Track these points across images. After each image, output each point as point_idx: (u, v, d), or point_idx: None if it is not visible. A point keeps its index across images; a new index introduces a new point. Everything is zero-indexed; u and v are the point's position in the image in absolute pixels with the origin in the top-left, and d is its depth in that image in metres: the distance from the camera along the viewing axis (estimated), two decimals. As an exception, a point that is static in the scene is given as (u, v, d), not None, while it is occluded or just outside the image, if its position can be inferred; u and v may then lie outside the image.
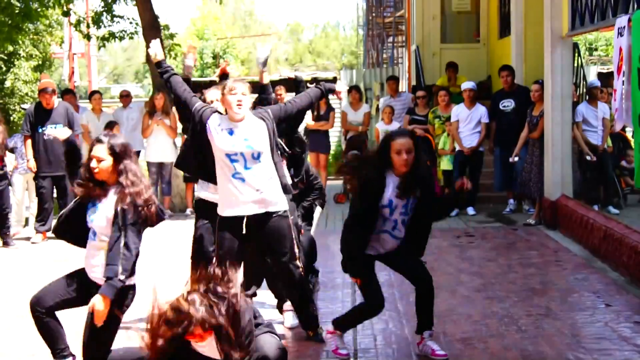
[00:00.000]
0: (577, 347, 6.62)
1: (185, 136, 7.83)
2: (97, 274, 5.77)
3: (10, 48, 26.87)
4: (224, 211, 6.58)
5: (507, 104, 13.34)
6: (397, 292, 8.55)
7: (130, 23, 20.68)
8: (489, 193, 14.49)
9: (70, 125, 12.51)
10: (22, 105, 20.05)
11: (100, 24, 19.97)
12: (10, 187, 12.62)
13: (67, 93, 15.73)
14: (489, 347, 6.66)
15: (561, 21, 11.41)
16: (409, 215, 6.36)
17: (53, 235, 6.72)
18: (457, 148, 13.78)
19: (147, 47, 17.63)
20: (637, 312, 7.54)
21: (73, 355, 6.05)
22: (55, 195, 12.87)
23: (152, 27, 17.56)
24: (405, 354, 6.57)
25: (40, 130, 12.36)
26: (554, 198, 11.80)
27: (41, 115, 12.47)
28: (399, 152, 6.18)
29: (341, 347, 6.47)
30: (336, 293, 8.44)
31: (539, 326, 7.16)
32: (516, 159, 12.70)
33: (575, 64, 13.82)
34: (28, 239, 12.53)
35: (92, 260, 5.84)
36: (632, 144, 11.28)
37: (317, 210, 7.96)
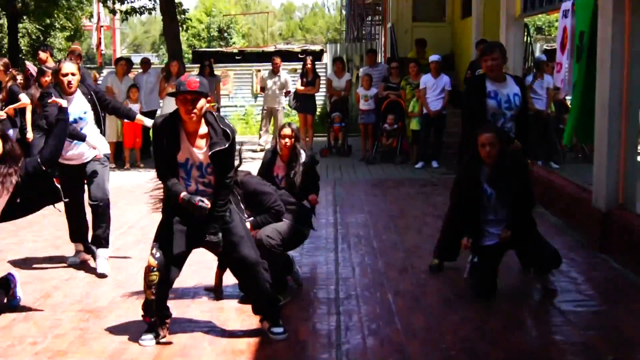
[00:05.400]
0: (520, 279, 6.71)
1: None
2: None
3: (47, 21, 26.69)
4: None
5: None
6: (372, 231, 8.58)
7: (149, 0, 20.56)
8: (451, 150, 14.50)
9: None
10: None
11: (124, 0, 19.82)
12: None
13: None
14: (449, 278, 6.71)
15: (515, 4, 11.33)
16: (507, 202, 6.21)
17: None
18: (425, 111, 13.78)
19: (163, 21, 17.51)
20: (572, 250, 7.59)
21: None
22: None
23: (167, 4, 17.42)
24: (379, 283, 6.60)
25: None
26: (504, 154, 11.77)
27: None
28: (482, 146, 6.02)
29: None
30: (320, 239, 8.37)
31: (491, 261, 7.20)
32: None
33: (525, 42, 13.75)
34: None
35: None
36: (571, 109, 11.25)
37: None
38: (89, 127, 7.06)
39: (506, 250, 6.36)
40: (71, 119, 6.74)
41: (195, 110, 4.94)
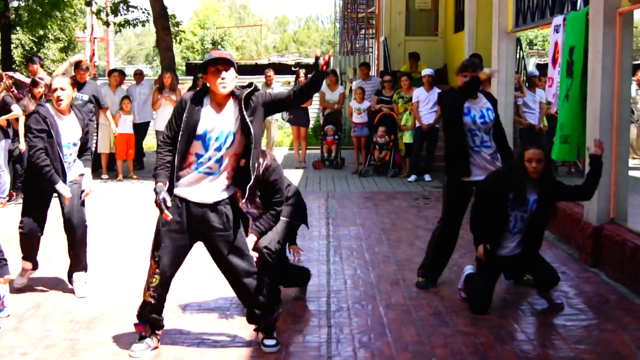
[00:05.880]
0: (512, 292, 6.71)
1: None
2: None
3: (41, 32, 26.67)
4: None
5: None
6: (364, 244, 8.57)
7: (143, 12, 20.60)
8: (443, 163, 14.51)
9: (96, 99, 13.21)
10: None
11: (118, 12, 19.86)
12: None
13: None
14: (440, 291, 6.71)
15: (507, 19, 11.38)
16: (529, 214, 6.19)
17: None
18: (417, 124, 13.81)
19: (157, 33, 17.57)
20: (564, 264, 7.59)
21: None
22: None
23: (161, 16, 17.45)
24: (370, 296, 6.59)
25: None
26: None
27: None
28: (529, 161, 6.03)
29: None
30: (312, 251, 8.42)
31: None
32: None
33: (518, 56, 13.80)
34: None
35: None
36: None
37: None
38: (73, 156, 6.75)
39: (515, 264, 6.38)
40: (64, 143, 6.55)
41: (227, 80, 4.90)
